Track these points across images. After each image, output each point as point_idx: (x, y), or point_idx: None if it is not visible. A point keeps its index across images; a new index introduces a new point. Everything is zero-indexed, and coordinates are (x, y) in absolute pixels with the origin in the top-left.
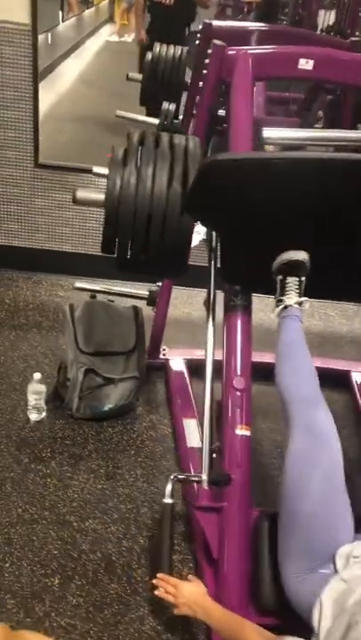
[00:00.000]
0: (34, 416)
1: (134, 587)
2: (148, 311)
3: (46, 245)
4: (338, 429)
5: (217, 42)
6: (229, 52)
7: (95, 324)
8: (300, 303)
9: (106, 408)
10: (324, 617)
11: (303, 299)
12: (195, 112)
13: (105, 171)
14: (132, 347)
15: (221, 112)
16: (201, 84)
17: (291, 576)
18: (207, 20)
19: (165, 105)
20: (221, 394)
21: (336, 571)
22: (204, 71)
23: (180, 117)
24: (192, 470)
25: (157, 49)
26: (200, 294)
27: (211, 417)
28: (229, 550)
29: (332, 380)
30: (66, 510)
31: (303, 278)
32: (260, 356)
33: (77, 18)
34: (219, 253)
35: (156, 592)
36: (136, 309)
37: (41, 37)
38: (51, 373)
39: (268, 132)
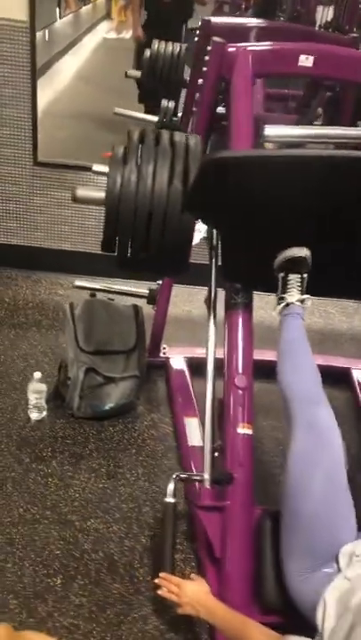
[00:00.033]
0: (34, 415)
1: (137, 586)
2: (148, 309)
3: (45, 244)
4: (339, 426)
5: (217, 39)
6: (229, 49)
7: (95, 323)
8: (302, 301)
9: (107, 407)
10: (327, 616)
11: (305, 296)
12: (194, 109)
13: (105, 169)
14: (132, 345)
15: (221, 109)
16: (200, 81)
17: (293, 575)
18: (206, 17)
19: (164, 102)
20: (223, 392)
21: (339, 569)
22: (204, 68)
23: (180, 115)
24: (194, 469)
25: (156, 46)
26: (200, 292)
27: (212, 415)
28: (232, 549)
29: (333, 378)
30: (67, 510)
31: (305, 275)
32: (260, 354)
33: (74, 15)
34: (219, 251)
35: (159, 591)
36: (136, 308)
37: (38, 34)
38: (51, 372)
39: (270, 130)
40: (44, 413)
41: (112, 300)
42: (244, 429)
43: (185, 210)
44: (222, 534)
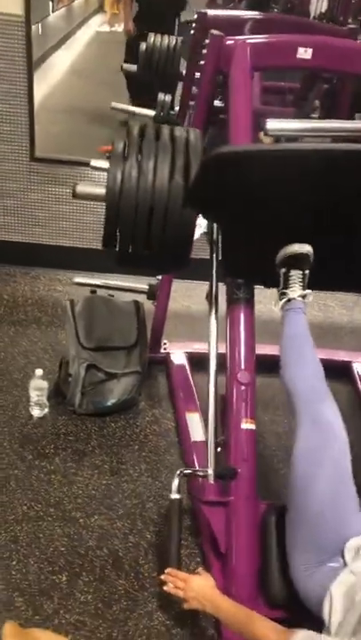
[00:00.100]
0: (36, 412)
1: (142, 582)
2: (147, 305)
3: (44, 240)
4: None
5: (215, 32)
6: (227, 42)
7: (96, 320)
8: (303, 296)
9: (108, 403)
10: (334, 611)
11: (307, 291)
12: (191, 103)
13: (104, 164)
14: (133, 341)
15: (218, 103)
16: (197, 74)
17: (299, 569)
18: (202, 10)
19: (161, 96)
20: (226, 388)
21: (345, 564)
22: (201, 62)
23: (177, 109)
24: (197, 464)
25: (152, 39)
26: (199, 287)
27: (215, 411)
28: (237, 544)
29: (334, 371)
30: (71, 507)
31: (307, 272)
32: (260, 348)
33: (67, 8)
34: (220, 246)
35: (165, 587)
36: (137, 304)
37: (32, 29)
38: (52, 369)
39: (273, 124)
40: (46, 410)
41: (112, 296)
42: (247, 424)
43: (186, 205)
44: (227, 529)
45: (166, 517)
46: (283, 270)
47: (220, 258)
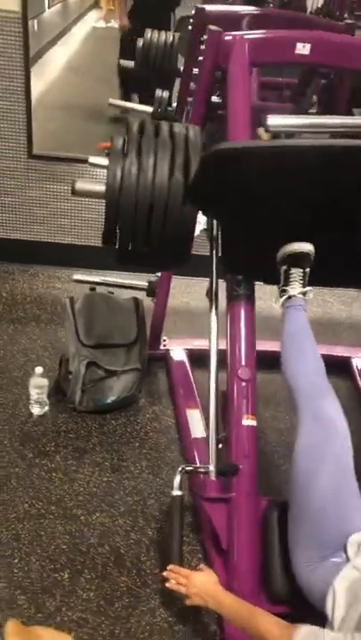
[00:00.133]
0: (36, 410)
1: (144, 579)
2: (147, 302)
3: (42, 237)
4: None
5: (213, 27)
6: (226, 38)
7: (96, 317)
8: (304, 293)
9: (109, 400)
10: (337, 606)
11: (307, 289)
12: (189, 99)
13: (102, 161)
14: (133, 338)
15: (216, 98)
16: (195, 70)
17: (302, 565)
18: (199, 5)
19: (159, 92)
20: (226, 384)
21: (348, 559)
22: (199, 57)
23: (174, 105)
24: (197, 461)
25: (149, 35)
26: (198, 283)
27: (216, 407)
28: (239, 540)
29: (333, 367)
30: (72, 504)
31: (308, 270)
32: (261, 344)
33: (63, 4)
34: (220, 242)
35: (167, 584)
36: (137, 301)
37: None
38: (52, 367)
39: (273, 120)
40: (46, 408)
41: (112, 293)
42: (248, 421)
43: (186, 201)
44: (228, 525)
45: (168, 514)
46: (283, 268)
47: (219, 254)
